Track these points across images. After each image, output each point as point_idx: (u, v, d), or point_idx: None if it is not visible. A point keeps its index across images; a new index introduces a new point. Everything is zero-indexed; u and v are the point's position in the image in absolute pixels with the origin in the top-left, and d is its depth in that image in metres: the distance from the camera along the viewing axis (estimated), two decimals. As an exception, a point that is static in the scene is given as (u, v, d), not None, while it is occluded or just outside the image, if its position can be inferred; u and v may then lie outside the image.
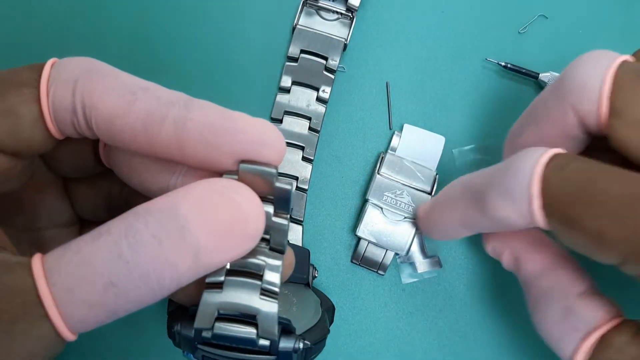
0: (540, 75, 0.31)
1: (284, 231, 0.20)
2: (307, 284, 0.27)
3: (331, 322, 0.25)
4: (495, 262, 0.30)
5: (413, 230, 0.28)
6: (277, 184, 0.19)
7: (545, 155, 0.21)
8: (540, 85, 0.31)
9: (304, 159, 0.30)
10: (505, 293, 0.30)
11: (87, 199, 0.25)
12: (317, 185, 0.31)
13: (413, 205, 0.29)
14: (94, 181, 0.25)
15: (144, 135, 0.19)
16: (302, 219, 0.30)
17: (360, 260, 0.29)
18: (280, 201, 0.19)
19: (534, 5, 0.32)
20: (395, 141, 0.30)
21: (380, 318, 0.30)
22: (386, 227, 0.28)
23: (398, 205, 0.29)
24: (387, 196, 0.29)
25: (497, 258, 0.26)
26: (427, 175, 0.29)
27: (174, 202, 0.18)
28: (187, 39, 0.31)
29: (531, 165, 0.21)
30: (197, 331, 0.19)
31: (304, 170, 0.30)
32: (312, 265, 0.28)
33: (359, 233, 0.29)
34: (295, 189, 0.30)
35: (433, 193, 0.29)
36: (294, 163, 0.30)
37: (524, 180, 0.21)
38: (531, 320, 0.24)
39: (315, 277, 0.28)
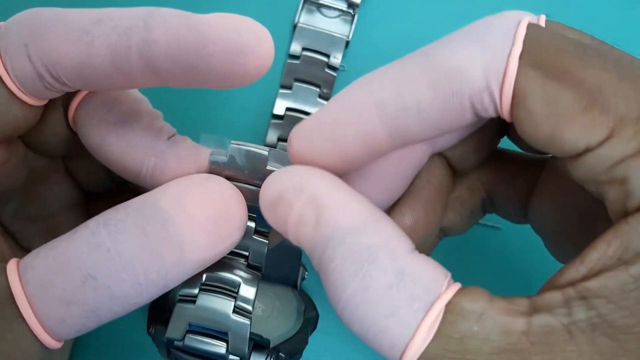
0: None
1: (262, 250, 0.20)
2: (295, 286, 0.27)
3: (313, 329, 0.26)
4: (497, 261, 0.29)
5: None
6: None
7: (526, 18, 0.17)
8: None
9: (303, 157, 0.30)
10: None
11: (87, 173, 0.24)
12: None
13: None
14: (89, 156, 0.23)
15: (118, 74, 0.17)
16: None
17: None
18: (262, 218, 0.19)
19: (535, 4, 0.31)
20: None
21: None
22: None
23: None
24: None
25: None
26: None
27: (154, 197, 0.18)
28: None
29: (514, 17, 0.17)
30: (169, 340, 0.20)
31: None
32: (303, 265, 0.28)
33: None
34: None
35: None
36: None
37: (504, 26, 0.17)
38: (334, 305, 0.16)
39: (305, 278, 0.28)
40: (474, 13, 0.31)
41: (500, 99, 0.16)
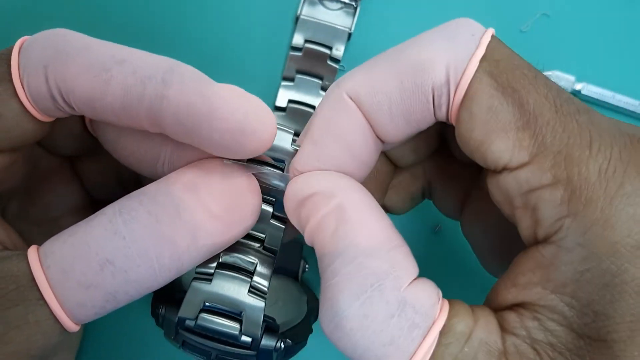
0: (542, 73, 0.30)
1: (279, 235, 0.20)
2: (297, 278, 0.26)
3: (315, 318, 0.25)
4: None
5: None
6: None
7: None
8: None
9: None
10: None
11: (97, 176, 0.24)
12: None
13: None
14: (100, 158, 0.24)
15: (125, 115, 0.17)
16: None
17: None
18: (281, 203, 0.19)
19: (536, 3, 0.32)
20: None
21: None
22: None
23: None
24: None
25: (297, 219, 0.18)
26: None
27: (167, 184, 0.18)
28: (189, 30, 0.31)
29: (480, 25, 0.18)
30: (180, 319, 0.19)
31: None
32: (304, 259, 0.28)
33: None
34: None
35: None
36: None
37: (472, 29, 0.18)
38: (324, 321, 0.17)
39: (306, 271, 0.28)
40: (475, 13, 0.32)
41: (453, 97, 0.17)
